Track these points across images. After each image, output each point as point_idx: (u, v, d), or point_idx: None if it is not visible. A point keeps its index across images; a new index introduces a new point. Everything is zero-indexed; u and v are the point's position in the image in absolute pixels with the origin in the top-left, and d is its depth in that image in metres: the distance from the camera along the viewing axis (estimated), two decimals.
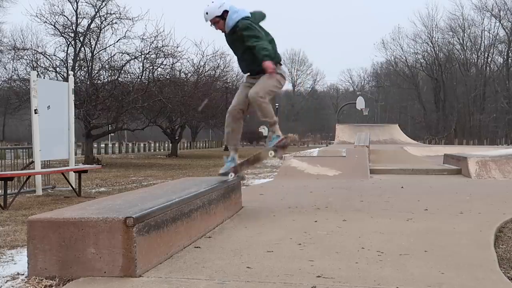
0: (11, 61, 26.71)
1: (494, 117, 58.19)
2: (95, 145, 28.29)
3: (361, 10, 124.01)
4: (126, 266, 3.30)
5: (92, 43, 22.26)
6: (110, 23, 22.31)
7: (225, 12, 5.78)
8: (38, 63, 21.54)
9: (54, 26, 22.23)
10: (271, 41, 5.93)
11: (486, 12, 59.25)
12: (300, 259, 3.78)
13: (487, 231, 4.85)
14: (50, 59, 21.88)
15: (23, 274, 3.54)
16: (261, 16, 6.21)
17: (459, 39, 61.89)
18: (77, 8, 22.75)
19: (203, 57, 30.50)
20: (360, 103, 42.76)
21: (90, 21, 22.61)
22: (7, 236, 5.10)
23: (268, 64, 5.61)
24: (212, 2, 5.81)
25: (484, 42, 60.66)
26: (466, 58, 62.41)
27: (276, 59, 5.88)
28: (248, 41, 5.68)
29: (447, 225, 5.22)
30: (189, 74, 28.17)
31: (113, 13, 22.38)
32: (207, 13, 5.82)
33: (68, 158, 10.60)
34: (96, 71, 21.82)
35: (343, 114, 54.76)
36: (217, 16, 5.79)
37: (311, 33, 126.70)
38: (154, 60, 22.08)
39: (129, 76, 22.39)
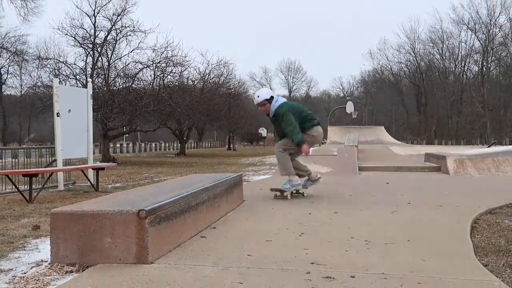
0: (36, 69, 26.79)
1: (470, 120, 58.21)
2: (111, 145, 28.29)
3: (350, 23, 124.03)
4: (139, 254, 3.29)
5: (108, 53, 22.30)
6: (125, 35, 22.36)
7: (271, 97, 6.80)
8: (60, 71, 21.56)
9: (74, 38, 22.28)
10: (305, 119, 6.80)
11: (463, 26, 59.32)
12: (296, 247, 3.77)
13: (464, 223, 4.85)
14: (71, 68, 21.92)
15: (46, 261, 3.54)
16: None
17: (438, 49, 61.96)
18: (95, 21, 22.80)
19: (208, 65, 30.57)
20: (350, 107, 42.76)
21: (106, 33, 22.65)
22: (32, 226, 5.09)
23: (304, 148, 6.68)
24: (262, 90, 7.08)
25: (461, 53, 60.75)
26: (445, 67, 62.46)
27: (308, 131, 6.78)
28: (285, 128, 6.70)
29: (428, 217, 5.22)
30: (196, 81, 28.22)
31: (128, 26, 22.44)
32: (258, 96, 6.84)
33: (87, 157, 10.58)
34: (112, 79, 21.83)
35: (335, 117, 54.73)
36: (265, 99, 6.79)
37: (306, 44, 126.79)
38: (164, 68, 22.10)
39: (141, 83, 22.42)
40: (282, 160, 6.83)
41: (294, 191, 6.94)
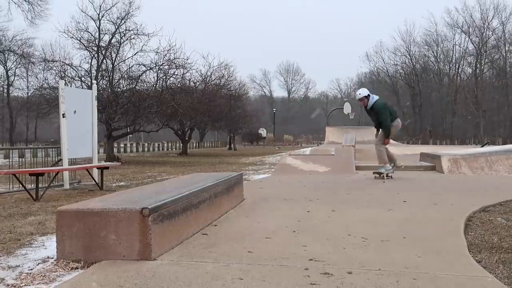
0: (42, 72, 26.79)
1: (464, 120, 58.23)
2: (115, 145, 28.29)
3: (348, 25, 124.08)
4: (142, 251, 3.30)
5: (112, 56, 22.28)
6: (129, 38, 22.35)
7: (369, 95, 9.57)
8: (66, 73, 21.55)
9: (80, 41, 22.27)
10: (392, 113, 9.55)
11: (457, 29, 59.39)
12: (295, 244, 3.78)
13: (458, 220, 4.85)
14: (76, 70, 21.91)
15: (52, 258, 3.55)
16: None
17: (433, 52, 62.02)
18: (99, 25, 22.80)
19: (209, 68, 30.57)
20: (347, 108, 42.72)
21: (111, 36, 22.65)
22: (39, 224, 5.10)
23: (386, 140, 9.53)
24: (362, 89, 9.83)
25: (455, 55, 60.80)
26: (439, 69, 62.51)
27: (391, 126, 9.49)
28: (380, 118, 9.46)
29: (423, 215, 5.22)
30: (198, 83, 28.18)
31: (131, 30, 22.43)
32: (359, 94, 9.68)
33: (92, 156, 10.59)
34: (116, 80, 21.83)
35: (332, 117, 54.68)
36: (364, 96, 9.57)
37: (304, 47, 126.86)
38: (167, 70, 22.10)
39: (145, 85, 22.41)
40: (380, 152, 9.59)
41: (386, 174, 9.48)
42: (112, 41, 22.50)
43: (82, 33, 22.42)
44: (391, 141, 10.23)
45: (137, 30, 22.28)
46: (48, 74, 23.50)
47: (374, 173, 9.72)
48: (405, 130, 61.31)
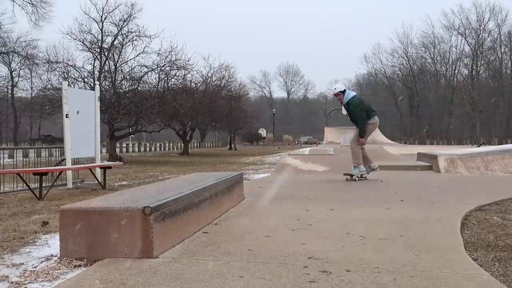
0: (46, 73, 26.80)
1: (460, 121, 58.25)
2: (118, 145, 28.28)
3: (346, 27, 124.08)
4: (144, 249, 3.30)
5: (115, 57, 22.30)
6: (131, 40, 22.37)
7: (345, 90, 8.99)
8: (69, 74, 21.57)
9: (83, 42, 22.30)
10: (367, 109, 8.94)
11: (454, 31, 59.50)
12: (294, 243, 3.77)
13: (455, 219, 4.85)
14: (79, 71, 21.92)
15: (56, 256, 3.54)
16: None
17: (430, 54, 62.13)
18: (102, 27, 22.85)
19: (210, 69, 30.58)
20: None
21: (113, 38, 22.66)
22: (42, 223, 5.09)
23: (361, 140, 8.94)
24: (338, 83, 9.27)
25: (452, 57, 60.91)
26: (436, 70, 62.57)
27: (366, 125, 8.94)
28: (355, 115, 8.91)
29: (420, 213, 5.22)
30: (199, 84, 28.23)
31: (134, 32, 22.45)
32: (335, 88, 9.12)
33: (95, 156, 10.58)
34: (118, 81, 21.84)
35: (331, 118, 54.67)
36: (340, 91, 8.97)
37: (304, 48, 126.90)
38: (169, 72, 22.11)
39: (147, 86, 22.42)
40: (356, 151, 8.90)
41: (359, 176, 8.89)
42: (115, 43, 22.54)
43: (85, 34, 22.48)
44: (389, 141, 10.04)
45: (139, 32, 22.31)
46: (51, 75, 23.58)
47: (345, 174, 9.11)
48: (402, 130, 61.43)
